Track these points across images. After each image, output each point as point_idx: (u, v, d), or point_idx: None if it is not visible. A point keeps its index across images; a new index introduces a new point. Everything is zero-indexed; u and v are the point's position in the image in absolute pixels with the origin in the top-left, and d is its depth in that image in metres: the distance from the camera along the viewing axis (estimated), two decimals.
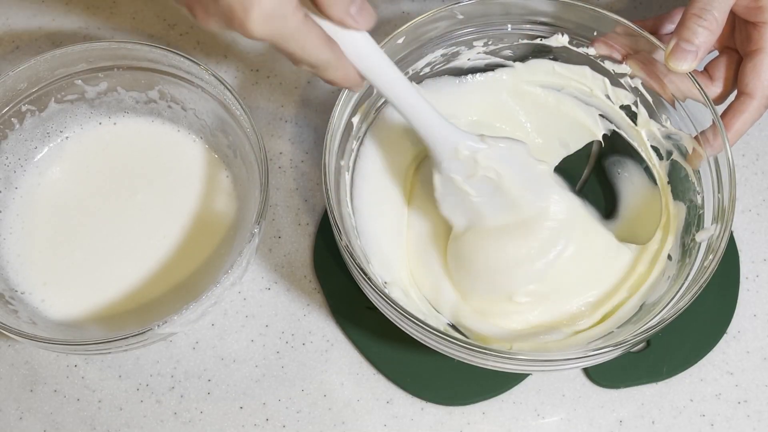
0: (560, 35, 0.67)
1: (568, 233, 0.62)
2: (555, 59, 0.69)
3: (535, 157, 0.62)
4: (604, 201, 0.71)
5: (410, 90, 0.57)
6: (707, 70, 0.65)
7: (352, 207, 0.65)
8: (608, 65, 0.67)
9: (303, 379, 0.66)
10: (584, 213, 0.65)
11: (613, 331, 0.62)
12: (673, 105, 0.64)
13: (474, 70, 0.71)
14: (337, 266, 0.69)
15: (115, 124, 0.71)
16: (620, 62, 0.66)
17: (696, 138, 0.63)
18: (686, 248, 0.63)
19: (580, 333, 0.63)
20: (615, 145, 0.70)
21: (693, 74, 0.61)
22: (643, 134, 0.68)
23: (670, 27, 0.68)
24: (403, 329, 0.59)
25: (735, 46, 0.65)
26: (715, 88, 0.65)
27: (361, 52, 0.54)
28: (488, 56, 0.69)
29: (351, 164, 0.66)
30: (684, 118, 0.64)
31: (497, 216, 0.62)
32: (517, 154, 0.62)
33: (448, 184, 0.62)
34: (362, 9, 0.51)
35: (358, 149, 0.67)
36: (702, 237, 0.61)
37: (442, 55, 0.69)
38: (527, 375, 0.66)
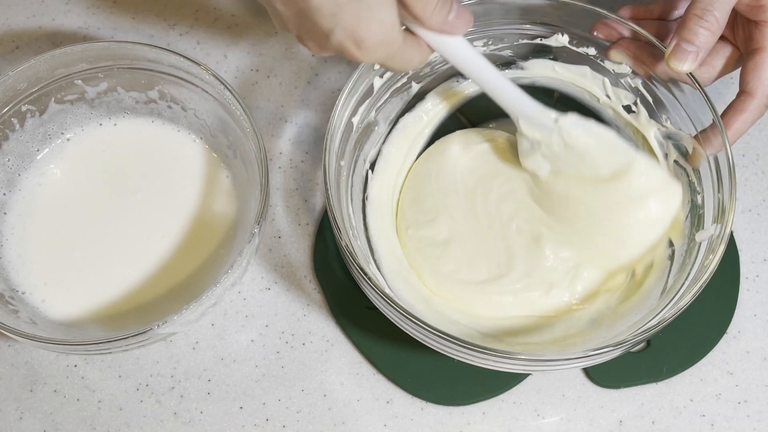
0: (560, 35, 0.67)
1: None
2: (555, 59, 0.69)
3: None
4: None
5: (499, 76, 0.61)
6: None
7: (352, 207, 0.65)
8: (608, 65, 0.67)
9: (303, 379, 0.66)
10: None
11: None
12: (669, 91, 0.64)
13: None
14: (337, 266, 0.69)
15: (115, 125, 0.71)
16: (609, 47, 0.66)
17: (696, 138, 0.63)
18: (686, 248, 0.63)
19: (578, 336, 0.63)
20: None
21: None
22: (643, 134, 0.68)
23: (677, 13, 0.68)
24: (403, 329, 0.59)
25: (732, 39, 0.65)
26: (704, 73, 0.65)
27: (459, 52, 0.58)
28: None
29: (351, 164, 0.66)
30: (684, 117, 0.64)
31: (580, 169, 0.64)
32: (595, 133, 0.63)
33: (533, 144, 0.64)
34: (459, 14, 0.54)
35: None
36: (702, 237, 0.61)
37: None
38: (527, 375, 0.66)
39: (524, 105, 0.62)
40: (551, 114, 0.62)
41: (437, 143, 0.70)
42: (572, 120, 0.62)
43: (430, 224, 0.67)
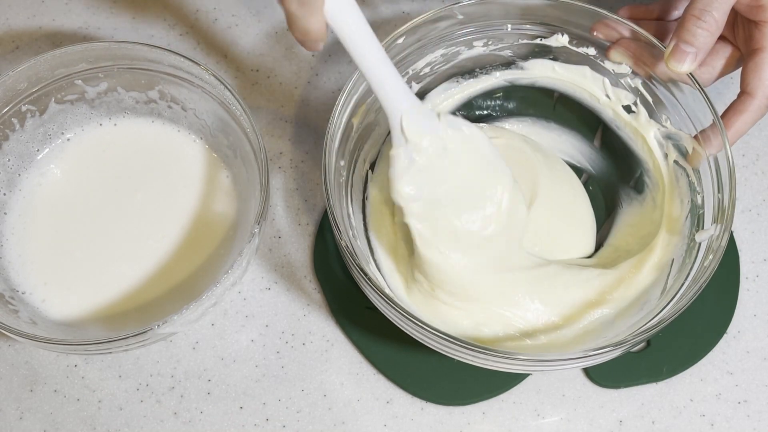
0: (560, 35, 0.67)
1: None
2: (555, 59, 0.69)
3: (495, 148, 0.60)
4: (604, 200, 0.71)
5: (385, 60, 0.54)
6: None
7: (352, 207, 0.65)
8: (608, 65, 0.67)
9: (303, 379, 0.66)
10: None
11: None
12: (669, 91, 0.64)
13: (473, 71, 0.71)
14: (337, 266, 0.69)
15: (115, 125, 0.71)
16: (609, 47, 0.66)
17: (696, 138, 0.63)
18: (686, 248, 0.63)
19: (578, 337, 0.63)
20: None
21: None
22: (642, 134, 0.68)
23: (676, 13, 0.68)
24: (403, 329, 0.59)
25: (732, 39, 0.65)
26: (704, 74, 0.65)
27: (340, 17, 0.51)
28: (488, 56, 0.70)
29: (351, 164, 0.66)
30: (684, 117, 0.64)
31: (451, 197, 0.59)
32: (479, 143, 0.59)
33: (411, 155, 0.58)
34: None
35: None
36: (702, 237, 0.61)
37: (442, 55, 0.69)
38: (527, 375, 0.66)
39: (408, 98, 0.56)
40: (433, 110, 0.57)
41: None
42: (457, 119, 0.58)
43: None
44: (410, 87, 0.69)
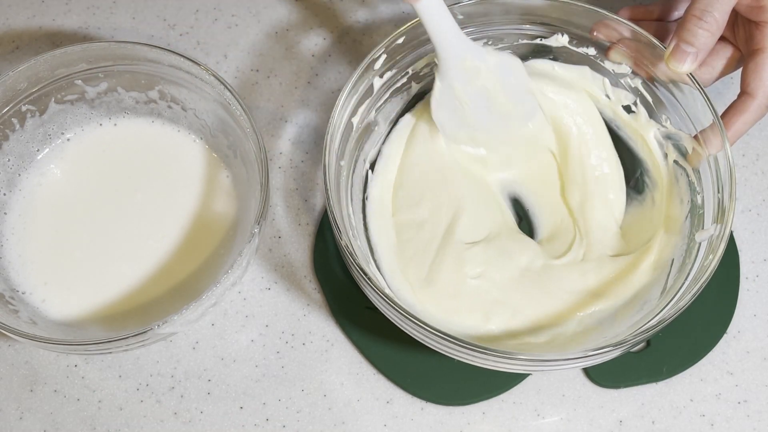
0: (560, 35, 0.67)
1: None
2: (555, 59, 0.69)
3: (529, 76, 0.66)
4: None
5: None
6: None
7: (352, 207, 0.65)
8: (608, 65, 0.67)
9: (303, 379, 0.66)
10: None
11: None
12: (669, 91, 0.64)
13: None
14: (337, 266, 0.69)
15: (115, 125, 0.71)
16: (609, 47, 0.66)
17: (696, 138, 0.63)
18: (686, 248, 0.63)
19: (578, 336, 0.63)
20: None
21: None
22: (642, 134, 0.68)
23: (676, 14, 0.68)
24: (403, 329, 0.59)
25: (732, 40, 0.65)
26: (704, 74, 0.65)
27: None
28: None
29: (351, 164, 0.66)
30: (684, 117, 0.64)
31: (487, 128, 0.67)
32: (515, 69, 0.65)
33: (447, 92, 0.65)
34: None
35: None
36: (702, 237, 0.61)
37: None
38: (527, 375, 0.66)
39: (454, 35, 0.62)
40: (480, 49, 0.64)
41: (432, 130, 0.70)
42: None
43: (413, 207, 0.67)
44: (410, 87, 0.69)
